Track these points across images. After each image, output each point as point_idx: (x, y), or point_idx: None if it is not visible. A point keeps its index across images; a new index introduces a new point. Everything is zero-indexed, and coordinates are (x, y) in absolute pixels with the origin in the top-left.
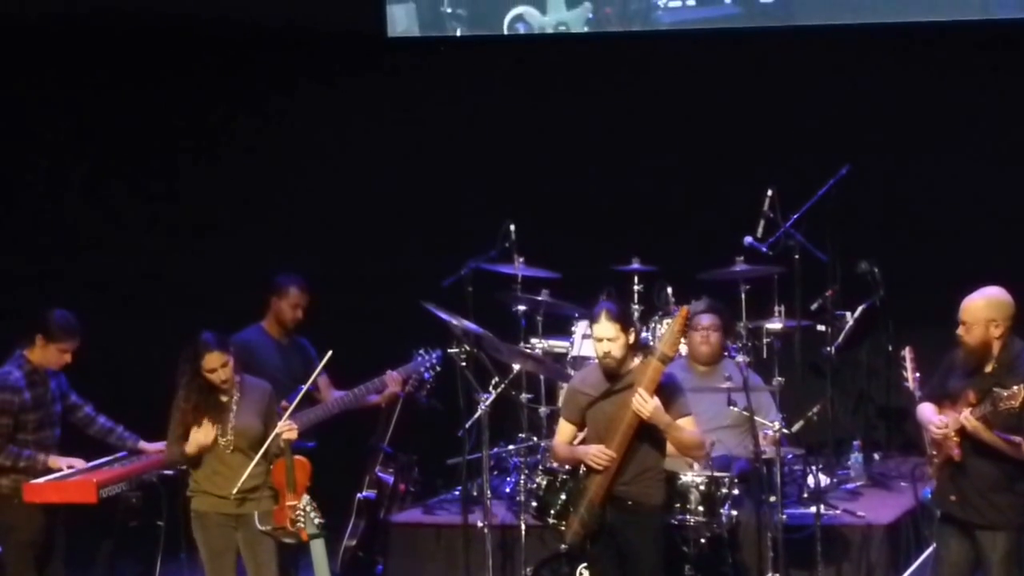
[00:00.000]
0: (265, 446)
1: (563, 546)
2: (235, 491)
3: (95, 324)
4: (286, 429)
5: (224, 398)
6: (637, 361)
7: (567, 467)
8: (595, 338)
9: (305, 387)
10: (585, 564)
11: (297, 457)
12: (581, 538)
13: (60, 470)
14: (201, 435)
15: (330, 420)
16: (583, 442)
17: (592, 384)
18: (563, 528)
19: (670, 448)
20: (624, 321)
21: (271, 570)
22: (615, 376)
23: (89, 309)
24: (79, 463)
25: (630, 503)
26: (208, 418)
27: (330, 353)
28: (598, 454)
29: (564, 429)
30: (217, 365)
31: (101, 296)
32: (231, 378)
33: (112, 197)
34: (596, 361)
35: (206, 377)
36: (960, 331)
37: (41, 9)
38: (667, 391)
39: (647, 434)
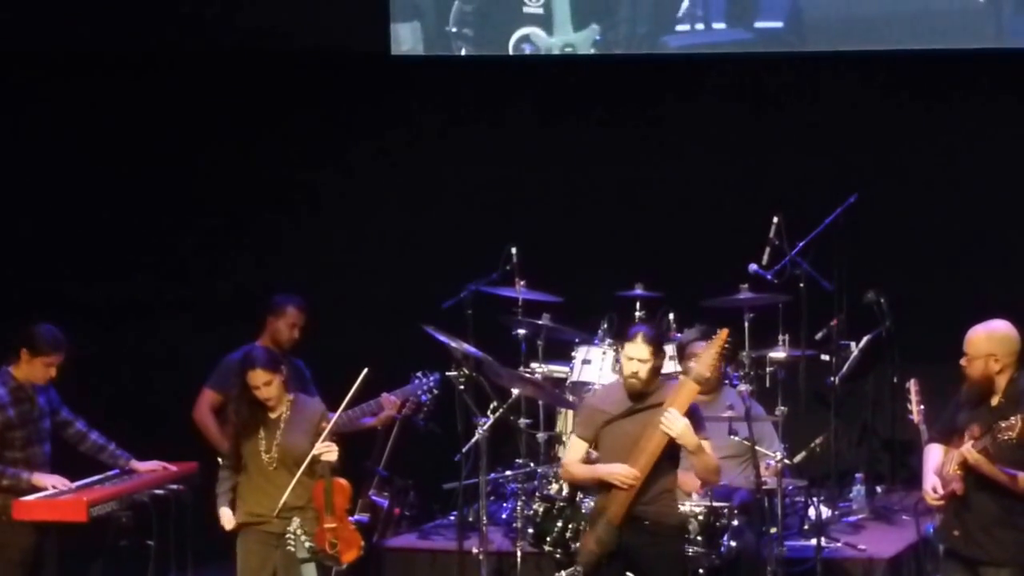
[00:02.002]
0: (304, 465)
1: (577, 570)
2: (276, 511)
3: (88, 342)
4: (324, 451)
5: (273, 415)
6: (659, 382)
7: (565, 493)
8: (626, 356)
9: (342, 408)
10: None
11: (337, 480)
12: (596, 557)
13: (45, 488)
14: (225, 521)
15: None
16: (596, 461)
17: (613, 402)
18: (558, 555)
19: None
20: (657, 345)
21: None
22: (638, 396)
23: (81, 329)
24: (63, 482)
25: (647, 523)
26: (255, 433)
27: (366, 371)
28: (626, 474)
29: (577, 447)
30: (260, 383)
31: (92, 316)
32: (276, 396)
33: (108, 215)
34: (618, 380)
35: (252, 393)
36: (963, 362)
37: (54, 40)
38: (693, 417)
39: (667, 455)
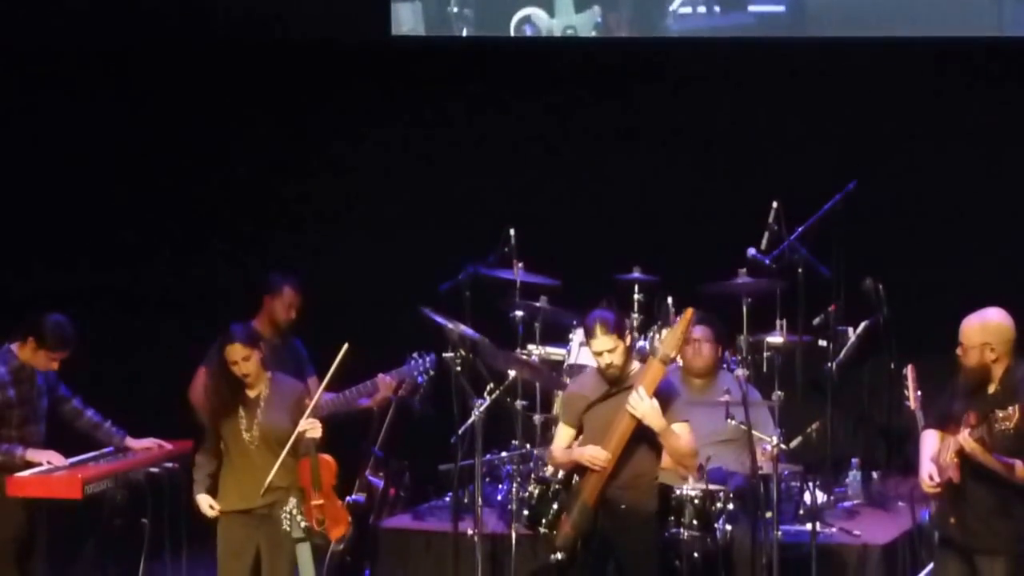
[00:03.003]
0: (289, 444)
1: (556, 555)
2: (262, 491)
3: (87, 323)
4: (309, 428)
5: (252, 393)
6: (636, 365)
7: (561, 475)
8: (594, 352)
9: (323, 385)
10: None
11: (323, 456)
12: (572, 540)
13: (40, 464)
14: (205, 507)
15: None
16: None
17: (590, 387)
18: (555, 536)
19: (665, 460)
20: (618, 327)
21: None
22: (615, 380)
23: (81, 307)
24: (58, 457)
25: (623, 507)
26: (235, 411)
27: (346, 347)
28: (594, 455)
29: (562, 433)
30: (238, 358)
31: (93, 295)
32: (254, 372)
33: (111, 201)
34: (594, 366)
35: (231, 369)
36: (958, 351)
37: (58, 37)
38: (664, 395)
39: (643, 438)
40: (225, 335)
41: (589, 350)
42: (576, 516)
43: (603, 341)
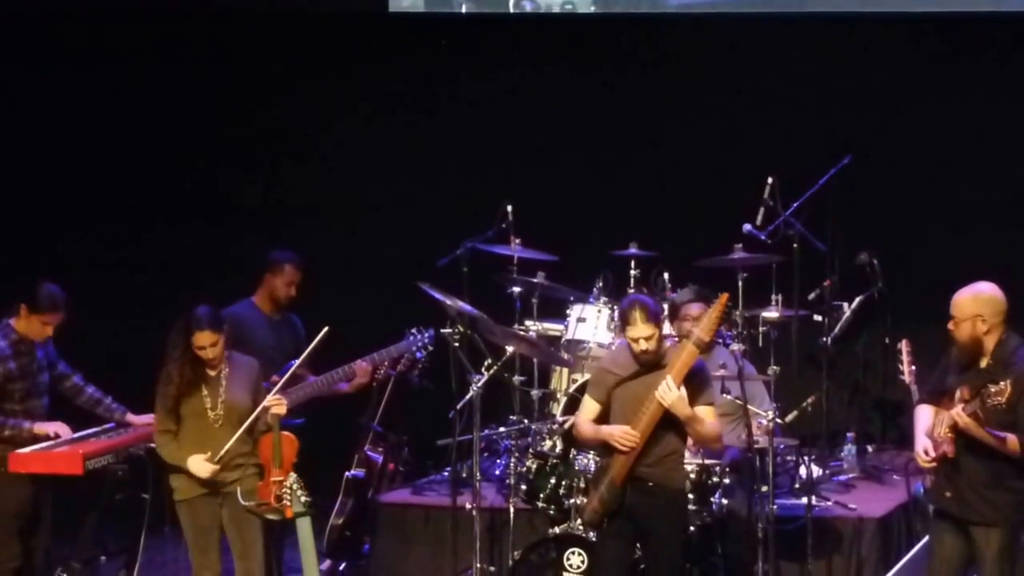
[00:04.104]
0: (251, 419)
1: (554, 529)
2: (217, 458)
3: (87, 299)
4: (275, 403)
5: (213, 372)
6: (667, 344)
7: (559, 450)
8: (631, 338)
9: (297, 362)
10: (574, 550)
11: (284, 432)
12: (599, 516)
13: (47, 437)
14: (199, 465)
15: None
16: (607, 421)
17: (623, 364)
18: (551, 511)
19: None
20: (657, 317)
21: (257, 548)
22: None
23: (81, 284)
24: (64, 428)
25: (651, 484)
26: (198, 391)
27: (326, 329)
28: (624, 435)
29: (589, 407)
30: (207, 343)
31: (93, 271)
32: (220, 356)
33: (108, 174)
34: (623, 342)
35: (196, 353)
36: (950, 325)
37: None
38: (697, 379)
39: (673, 418)
40: (191, 320)
41: (625, 335)
42: (604, 493)
43: (642, 329)
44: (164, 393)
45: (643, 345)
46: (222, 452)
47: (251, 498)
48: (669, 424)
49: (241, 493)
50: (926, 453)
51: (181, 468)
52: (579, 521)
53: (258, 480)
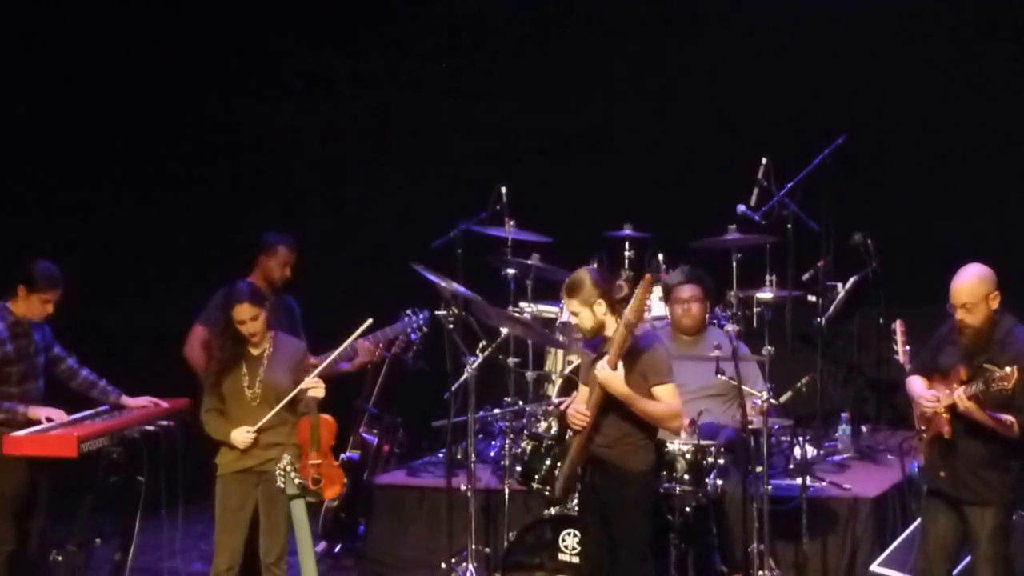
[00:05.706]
0: (288, 398)
1: (549, 510)
2: (254, 429)
3: (81, 282)
4: (312, 386)
5: (255, 351)
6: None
7: (553, 431)
8: (677, 300)
9: (339, 350)
10: (569, 531)
11: (323, 416)
12: (563, 491)
13: (41, 421)
14: (239, 434)
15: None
16: None
17: (593, 347)
18: (547, 493)
19: None
20: (580, 292)
21: (282, 531)
22: (605, 340)
23: (74, 266)
24: (59, 414)
25: (609, 465)
26: (238, 368)
27: (369, 321)
28: (572, 413)
29: (580, 391)
30: (247, 317)
31: (86, 253)
32: (261, 332)
33: (100, 155)
34: None
35: (237, 328)
36: (961, 315)
37: None
38: (645, 358)
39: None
40: (232, 294)
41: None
42: (566, 469)
43: (568, 304)
44: (208, 370)
45: (574, 321)
46: (257, 427)
47: (296, 478)
48: (618, 405)
49: (286, 474)
50: (936, 399)
51: (226, 443)
52: (575, 502)
53: (298, 461)
